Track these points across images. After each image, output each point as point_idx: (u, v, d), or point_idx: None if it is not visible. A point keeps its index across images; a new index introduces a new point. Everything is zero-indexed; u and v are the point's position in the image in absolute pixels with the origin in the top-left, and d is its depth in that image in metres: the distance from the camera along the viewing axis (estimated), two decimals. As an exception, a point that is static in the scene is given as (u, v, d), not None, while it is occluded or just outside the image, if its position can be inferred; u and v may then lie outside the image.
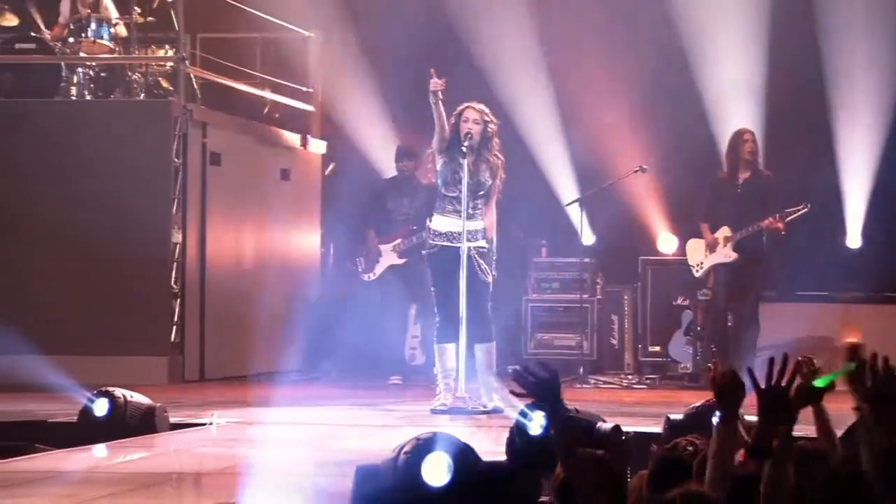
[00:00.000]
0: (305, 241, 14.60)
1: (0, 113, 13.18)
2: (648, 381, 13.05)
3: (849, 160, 14.71)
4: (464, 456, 4.74)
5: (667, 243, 14.08)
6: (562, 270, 14.17)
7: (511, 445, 6.53)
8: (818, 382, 5.82)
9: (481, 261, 10.12)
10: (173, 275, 12.61)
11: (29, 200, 12.59)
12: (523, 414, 6.65)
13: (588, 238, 14.83)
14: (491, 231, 10.36)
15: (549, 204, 14.56)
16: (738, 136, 12.65)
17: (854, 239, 14.39)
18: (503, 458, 6.43)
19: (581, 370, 12.99)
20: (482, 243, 10.14)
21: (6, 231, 12.62)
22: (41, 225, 12.52)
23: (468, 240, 10.00)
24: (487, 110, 10.14)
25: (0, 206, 12.60)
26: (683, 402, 8.75)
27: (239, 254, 13.66)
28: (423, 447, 4.71)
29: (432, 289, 10.26)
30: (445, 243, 10.05)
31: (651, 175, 13.95)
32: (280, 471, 6.42)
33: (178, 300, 12.66)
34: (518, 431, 6.54)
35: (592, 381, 12.77)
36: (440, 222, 10.09)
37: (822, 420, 5.65)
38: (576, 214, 14.65)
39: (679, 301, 13.68)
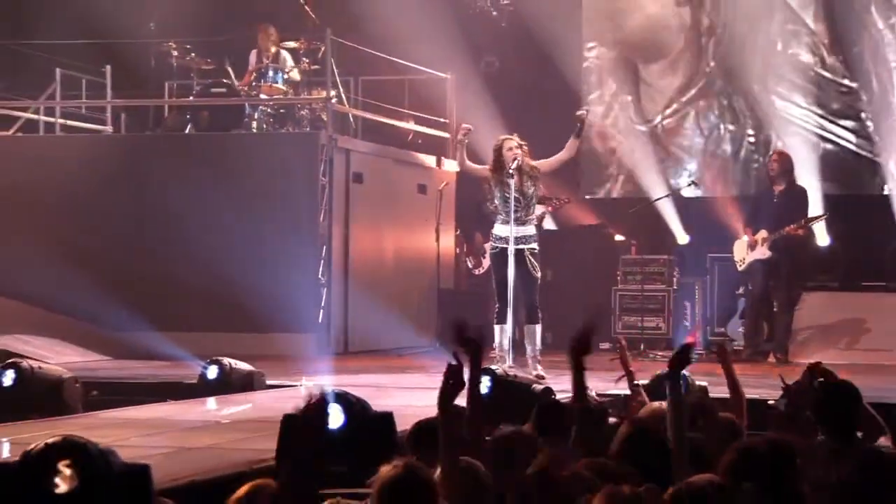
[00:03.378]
0: (441, 241, 14.94)
1: (197, 143, 14.15)
2: (697, 355, 13.38)
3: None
4: (353, 406, 5.43)
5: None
6: (645, 265, 14.52)
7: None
8: None
9: (533, 259, 10.65)
10: (320, 269, 13.30)
11: (212, 209, 13.21)
12: (475, 378, 7.30)
13: (682, 237, 15.31)
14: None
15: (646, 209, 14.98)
16: (769, 158, 13.07)
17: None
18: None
19: (642, 346, 13.43)
20: (533, 245, 10.70)
21: (201, 233, 13.16)
22: (219, 229, 13.21)
23: (522, 243, 10.54)
24: (517, 137, 10.69)
25: (187, 216, 13.19)
26: (707, 372, 9.21)
27: (378, 252, 14.30)
28: (321, 400, 5.42)
29: (492, 280, 10.84)
30: (503, 245, 10.66)
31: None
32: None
33: (325, 289, 13.34)
34: (472, 391, 7.20)
35: (651, 356, 13.17)
36: (499, 229, 10.69)
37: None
38: (672, 218, 15.22)
39: (739, 291, 14.04)
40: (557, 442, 4.84)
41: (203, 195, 13.30)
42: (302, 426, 4.21)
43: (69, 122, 14.88)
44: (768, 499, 4.06)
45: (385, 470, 3.98)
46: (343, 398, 5.37)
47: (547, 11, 15.62)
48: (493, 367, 7.42)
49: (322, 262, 13.36)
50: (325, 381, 10.20)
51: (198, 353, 11.20)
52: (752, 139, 15.51)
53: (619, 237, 15.25)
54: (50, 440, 3.98)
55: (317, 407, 4.21)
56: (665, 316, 14.28)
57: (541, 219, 12.83)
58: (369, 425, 5.40)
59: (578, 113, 10.67)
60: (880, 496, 4.62)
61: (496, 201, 10.64)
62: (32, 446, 4.03)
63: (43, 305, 13.27)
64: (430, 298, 14.61)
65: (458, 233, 15.53)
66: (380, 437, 5.39)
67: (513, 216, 10.40)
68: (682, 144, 15.89)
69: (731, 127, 15.71)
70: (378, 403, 6.80)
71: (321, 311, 13.32)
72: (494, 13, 16.42)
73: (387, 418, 5.45)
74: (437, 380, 10.04)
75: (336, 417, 5.33)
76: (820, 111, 15.33)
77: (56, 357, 11.65)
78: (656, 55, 15.98)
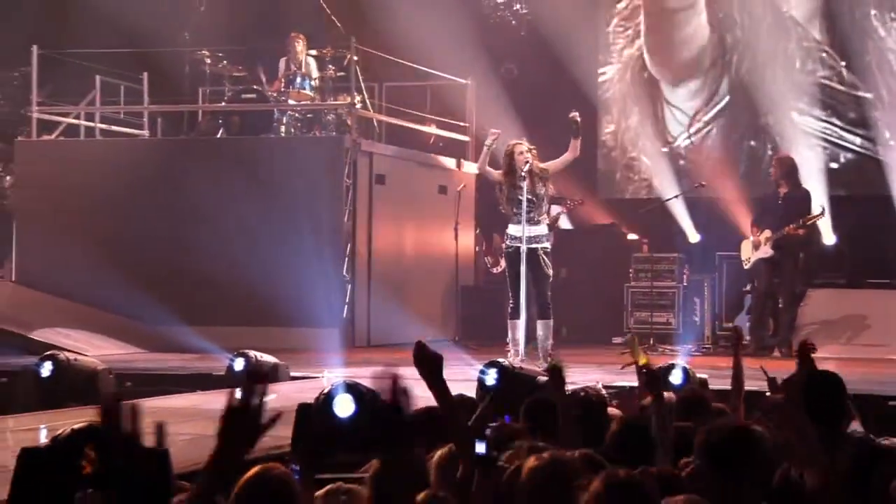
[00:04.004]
0: (460, 240, 14.93)
1: (229, 146, 14.30)
2: (705, 349, 13.53)
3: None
4: (364, 396, 5.57)
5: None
6: (655, 263, 14.58)
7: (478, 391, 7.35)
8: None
9: (545, 258, 10.80)
10: (345, 266, 13.46)
11: (242, 209, 13.42)
12: (482, 371, 7.46)
13: (693, 236, 15.40)
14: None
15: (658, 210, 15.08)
16: (771, 163, 13.21)
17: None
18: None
19: (651, 340, 13.53)
20: (546, 245, 10.84)
21: (232, 232, 13.41)
22: (249, 228, 13.38)
23: (534, 242, 10.71)
24: (525, 142, 10.91)
25: (220, 216, 13.43)
26: (712, 366, 9.34)
27: (400, 250, 14.43)
28: (333, 391, 5.58)
29: (507, 278, 10.98)
30: (517, 245, 10.80)
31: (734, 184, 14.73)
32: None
33: (350, 285, 13.50)
34: (479, 382, 7.36)
35: (660, 349, 13.26)
36: (512, 229, 10.85)
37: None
38: (683, 218, 15.31)
39: (746, 288, 14.11)
40: (547, 436, 4.95)
41: (234, 196, 13.48)
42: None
43: (109, 127, 15.08)
44: (733, 483, 4.14)
45: (373, 464, 4.02)
46: (354, 388, 5.52)
47: (564, 19, 15.70)
48: (500, 360, 7.57)
49: (346, 259, 13.51)
50: (339, 372, 10.35)
51: (227, 346, 11.12)
52: (772, 153, 15.54)
53: (631, 236, 15.35)
54: (76, 426, 4.13)
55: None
56: (674, 312, 14.38)
57: (555, 219, 12.96)
58: (379, 415, 5.54)
59: (571, 115, 10.80)
60: (872, 488, 4.62)
61: (509, 203, 10.78)
62: (60, 432, 4.19)
63: (82, 301, 13.48)
64: (450, 295, 14.74)
65: (477, 232, 15.65)
66: (389, 426, 5.52)
67: (525, 217, 10.55)
68: (706, 163, 15.97)
69: (752, 143, 15.80)
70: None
71: (345, 306, 13.47)
72: (513, 22, 16.56)
73: (396, 408, 5.58)
74: (452, 372, 10.18)
75: (347, 407, 5.48)
76: (838, 122, 15.42)
77: (94, 350, 11.83)
78: (685, 75, 16.10)
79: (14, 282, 14.00)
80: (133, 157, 14.30)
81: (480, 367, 10.17)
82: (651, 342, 13.47)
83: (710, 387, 8.10)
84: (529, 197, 10.56)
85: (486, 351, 12.42)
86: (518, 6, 16.62)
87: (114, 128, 15.21)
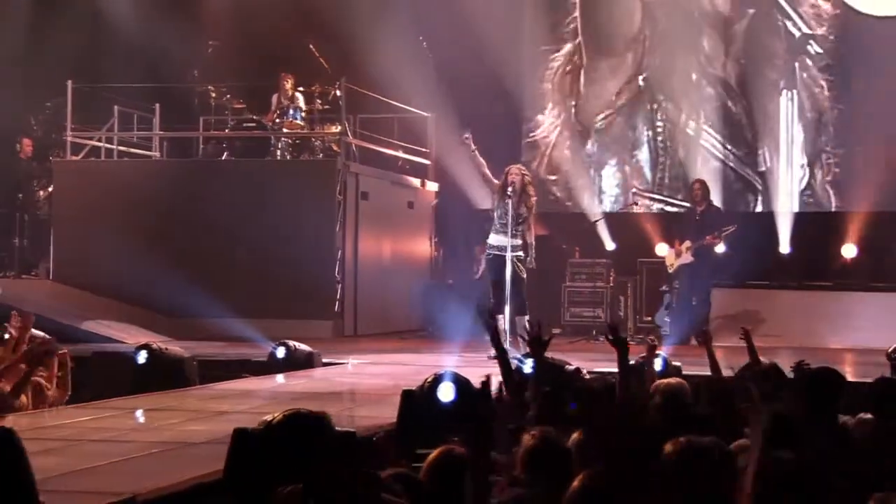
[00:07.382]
0: (423, 247, 15.31)
1: (232, 168, 14.19)
2: (637, 339, 13.72)
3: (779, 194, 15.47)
4: (462, 384, 5.61)
5: (661, 250, 14.70)
6: (588, 267, 14.83)
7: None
8: None
9: (520, 264, 10.91)
10: (336, 268, 13.45)
11: (244, 222, 13.32)
12: (520, 361, 7.51)
13: (609, 245, 15.60)
14: (531, 237, 11.08)
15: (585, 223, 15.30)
16: (690, 186, 13.49)
17: (784, 246, 15.05)
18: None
19: (594, 332, 13.71)
20: (521, 253, 10.94)
21: (232, 243, 13.31)
22: (251, 238, 13.28)
23: (512, 250, 10.82)
24: (522, 166, 10.97)
25: (227, 226, 13.32)
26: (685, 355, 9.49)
27: (380, 255, 14.48)
28: (437, 379, 5.61)
29: (489, 280, 11.03)
30: (497, 252, 10.89)
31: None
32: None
33: (340, 284, 13.50)
34: (517, 369, 7.41)
35: (601, 339, 13.41)
36: (494, 238, 10.93)
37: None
38: (603, 230, 15.48)
39: (663, 288, 14.36)
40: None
41: (239, 209, 13.46)
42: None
43: (126, 150, 14.80)
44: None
45: (525, 439, 4.13)
46: (455, 377, 5.56)
47: (505, 62, 15.74)
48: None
49: (338, 263, 13.50)
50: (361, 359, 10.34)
51: (240, 335, 11.28)
52: (662, 146, 15.76)
53: (563, 245, 15.52)
54: (287, 412, 4.10)
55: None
56: (604, 307, 14.58)
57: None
58: (472, 399, 5.57)
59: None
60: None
61: (497, 212, 10.86)
62: (272, 417, 4.14)
63: (109, 294, 13.30)
64: (420, 291, 14.78)
65: (436, 239, 15.73)
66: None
67: (510, 230, 10.63)
68: (613, 147, 16.08)
69: (659, 138, 16.00)
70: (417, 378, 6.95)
71: (337, 301, 13.47)
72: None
73: (485, 393, 5.63)
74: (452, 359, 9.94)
75: (449, 393, 5.51)
76: (720, 137, 15.72)
77: (130, 338, 11.64)
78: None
79: (51, 280, 13.70)
80: (150, 175, 14.14)
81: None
82: (594, 333, 13.65)
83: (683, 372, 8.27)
84: (513, 214, 10.65)
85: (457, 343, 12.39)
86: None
87: (130, 150, 14.91)
